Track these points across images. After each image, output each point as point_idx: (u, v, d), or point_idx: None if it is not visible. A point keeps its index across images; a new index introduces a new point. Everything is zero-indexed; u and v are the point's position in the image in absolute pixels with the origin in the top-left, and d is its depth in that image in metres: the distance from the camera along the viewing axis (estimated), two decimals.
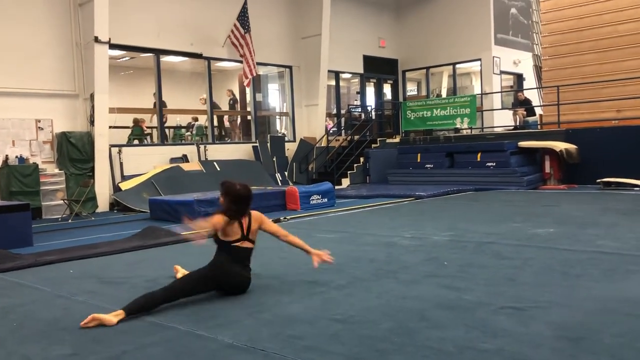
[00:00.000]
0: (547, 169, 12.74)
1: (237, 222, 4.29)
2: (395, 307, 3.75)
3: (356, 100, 19.11)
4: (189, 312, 3.86)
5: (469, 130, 15.93)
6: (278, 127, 17.13)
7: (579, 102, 13.69)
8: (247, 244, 4.34)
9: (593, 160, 12.22)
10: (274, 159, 14.34)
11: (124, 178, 11.90)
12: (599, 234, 6.23)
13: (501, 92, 18.01)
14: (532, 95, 16.61)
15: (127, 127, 13.81)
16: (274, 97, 17.46)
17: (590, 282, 4.23)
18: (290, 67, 15.86)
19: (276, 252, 5.94)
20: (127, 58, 14.91)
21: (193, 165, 12.58)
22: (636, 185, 11.10)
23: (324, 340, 3.17)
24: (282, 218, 8.50)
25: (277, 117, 17.23)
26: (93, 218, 10.24)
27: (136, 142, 13.30)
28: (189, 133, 15.26)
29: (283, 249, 6.05)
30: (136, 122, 13.75)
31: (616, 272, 4.48)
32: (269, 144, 14.51)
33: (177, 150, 13.21)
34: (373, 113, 18.21)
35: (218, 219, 4.23)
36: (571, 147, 12.41)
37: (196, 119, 15.16)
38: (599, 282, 4.22)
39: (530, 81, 18.12)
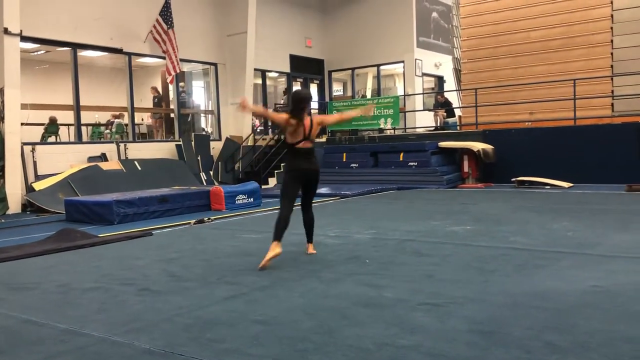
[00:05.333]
0: (466, 168, 13.24)
1: (301, 124, 5.08)
2: (317, 307, 3.77)
3: (283, 99, 19.10)
4: (103, 317, 3.71)
5: (392, 131, 16.28)
6: (203, 126, 16.83)
7: (496, 104, 14.32)
8: (308, 144, 5.20)
9: (508, 160, 12.81)
10: (199, 158, 14.07)
11: (38, 178, 11.30)
12: (512, 230, 6.53)
13: (423, 93, 18.54)
14: (452, 97, 17.23)
15: (42, 124, 13.14)
16: (199, 95, 17.14)
17: (503, 277, 4.42)
18: (215, 65, 15.63)
19: (197, 254, 5.83)
20: (42, 52, 14.18)
21: (112, 165, 12.13)
22: (547, 184, 11.73)
23: (244, 343, 3.13)
24: (205, 219, 8.35)
25: (202, 115, 16.92)
26: (3, 220, 9.66)
27: (52, 140, 12.67)
28: (108, 131, 14.71)
29: (205, 252, 5.97)
30: (52, 120, 13.10)
31: (526, 267, 4.71)
32: (193, 143, 14.22)
33: (96, 149, 12.69)
34: None
35: (283, 115, 5.24)
36: (488, 147, 12.95)
37: (116, 116, 14.63)
38: (511, 277, 4.42)
39: (450, 83, 18.79)
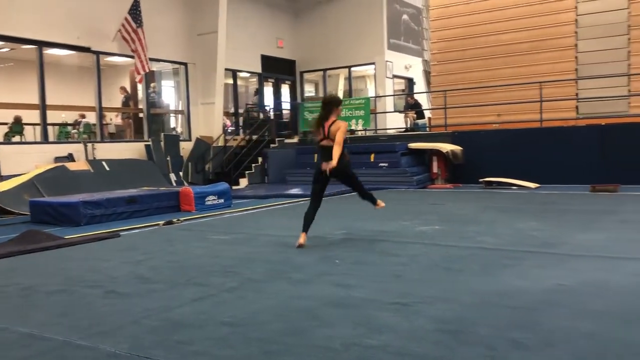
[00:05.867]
0: (435, 169, 13.39)
1: (322, 125, 5.91)
2: (286, 308, 3.77)
3: (253, 99, 19.03)
4: (68, 320, 3.64)
5: (363, 132, 16.37)
6: (173, 126, 16.65)
7: (464, 106, 14.52)
8: (328, 142, 5.85)
9: (476, 161, 13.00)
10: (168, 159, 13.92)
11: (2, 178, 11.00)
12: (480, 230, 6.63)
13: (393, 95, 18.68)
14: (422, 99, 17.40)
15: (6, 124, 12.82)
16: (169, 95, 16.95)
17: (470, 276, 4.48)
18: (185, 64, 15.48)
19: (165, 256, 5.77)
20: (6, 49, 13.84)
21: (80, 165, 11.90)
22: (514, 185, 11.94)
23: (212, 345, 3.11)
24: (175, 220, 8.26)
25: (172, 115, 16.74)
26: None
27: (16, 139, 12.38)
28: (75, 131, 14.44)
29: (174, 253, 5.91)
30: (17, 119, 12.79)
31: (493, 266, 4.79)
32: (162, 143, 14.06)
33: (63, 149, 12.43)
34: (272, 113, 18.21)
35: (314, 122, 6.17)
36: (457, 148, 13.12)
37: (83, 116, 14.37)
38: (478, 276, 4.48)
39: (420, 85, 18.96)
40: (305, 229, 5.92)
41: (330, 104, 6.00)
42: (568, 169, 12.02)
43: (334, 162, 5.70)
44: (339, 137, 5.79)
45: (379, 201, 6.43)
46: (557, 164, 12.15)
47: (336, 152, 5.73)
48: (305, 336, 3.19)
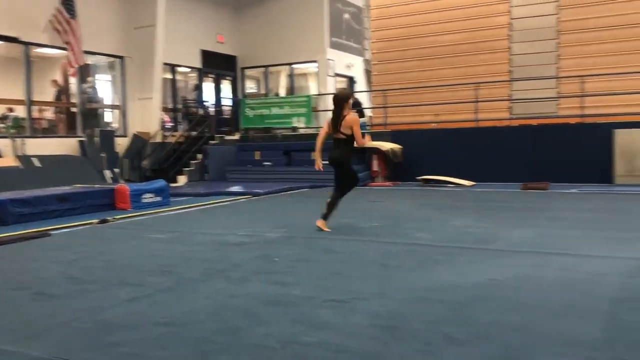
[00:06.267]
0: (375, 167, 13.57)
1: (334, 119, 6.37)
2: (222, 307, 3.71)
3: (193, 95, 18.67)
4: None
5: (305, 129, 16.38)
6: (109, 121, 16.11)
7: (404, 106, 14.79)
8: (340, 135, 6.37)
9: (415, 159, 13.27)
10: (103, 155, 13.46)
11: None
12: (417, 227, 6.76)
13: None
14: (363, 98, 17.57)
15: None
16: (105, 89, 16.38)
17: (405, 272, 4.56)
18: (122, 58, 15.01)
19: (98, 256, 5.58)
20: None
21: (7, 161, 11.33)
22: (451, 183, 12.26)
23: (146, 346, 3.03)
24: (109, 218, 8.00)
25: (108, 110, 16.20)
26: None
27: None
28: (3, 125, 13.73)
29: (107, 253, 5.72)
30: None
31: (428, 262, 4.89)
32: (97, 139, 13.58)
33: None
34: (212, 109, 17.93)
35: (327, 120, 6.63)
36: (396, 147, 13.35)
37: (11, 110, 13.68)
38: (413, 272, 4.57)
39: (361, 84, 19.15)
40: (323, 216, 6.55)
41: (341, 101, 6.42)
42: (502, 168, 12.45)
43: (367, 142, 6.64)
44: (357, 133, 6.34)
45: (324, 222, 6.59)
46: (492, 163, 12.57)
47: (361, 142, 6.54)
48: (242, 335, 3.16)
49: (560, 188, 10.95)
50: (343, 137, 6.38)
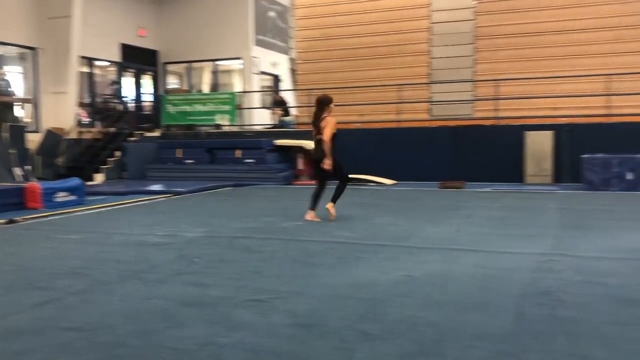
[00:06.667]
0: (300, 166, 13.62)
1: (315, 122, 6.92)
2: (137, 310, 3.60)
3: (113, 90, 18.00)
4: None
5: (229, 127, 16.19)
6: (19, 115, 15.23)
7: None
8: (320, 136, 6.90)
9: (339, 158, 13.38)
10: (13, 151, 12.71)
11: None
12: (338, 225, 6.85)
13: (260, 91, 18.70)
14: (289, 96, 17.60)
15: None
16: (15, 82, 15.47)
17: (326, 270, 4.61)
18: (34, 49, 14.23)
19: (4, 258, 5.27)
20: None
21: None
22: (373, 181, 12.51)
23: (54, 352, 2.90)
24: (18, 218, 7.57)
25: (18, 104, 15.30)
26: None
27: None
28: None
29: (15, 255, 5.42)
30: None
31: (348, 260, 4.96)
32: (7, 134, 12.80)
33: None
34: (132, 105, 17.36)
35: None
36: None
37: None
38: (333, 270, 4.62)
39: (287, 83, 19.15)
40: (310, 205, 7.15)
41: (322, 103, 6.95)
42: (422, 167, 12.83)
43: (327, 162, 6.85)
44: (326, 134, 6.80)
45: (314, 213, 7.18)
46: (412, 162, 12.91)
47: (326, 148, 6.84)
48: (157, 338, 3.08)
49: (475, 187, 11.43)
50: (321, 137, 6.87)
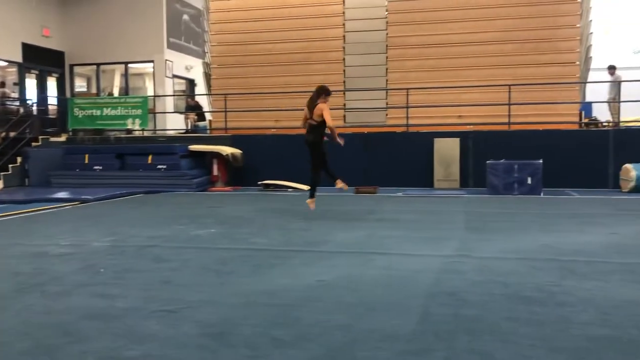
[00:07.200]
0: (215, 172, 13.42)
1: (310, 106, 7.67)
2: (35, 325, 3.40)
3: (14, 92, 16.97)
4: None
5: (140, 132, 15.70)
6: None
7: (244, 111, 14.83)
8: (312, 121, 7.73)
9: (256, 164, 13.35)
10: None
11: None
12: (253, 232, 6.81)
13: (173, 95, 18.28)
14: (203, 101, 17.31)
15: None
16: None
17: (239, 278, 4.57)
18: None
19: None
20: None
21: None
22: (289, 187, 12.54)
23: None
24: None
25: None
26: None
27: None
28: None
29: None
30: None
31: (262, 266, 4.94)
32: None
33: None
34: (35, 108, 16.42)
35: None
36: (237, 151, 13.33)
37: None
38: (246, 277, 4.59)
39: (201, 87, 18.85)
40: (309, 194, 7.99)
41: (321, 91, 7.72)
42: (338, 173, 12.96)
43: (340, 139, 7.89)
44: (327, 117, 7.60)
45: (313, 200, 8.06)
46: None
47: (331, 130, 7.83)
48: (56, 354, 2.93)
49: (388, 192, 11.74)
50: (315, 123, 7.66)
